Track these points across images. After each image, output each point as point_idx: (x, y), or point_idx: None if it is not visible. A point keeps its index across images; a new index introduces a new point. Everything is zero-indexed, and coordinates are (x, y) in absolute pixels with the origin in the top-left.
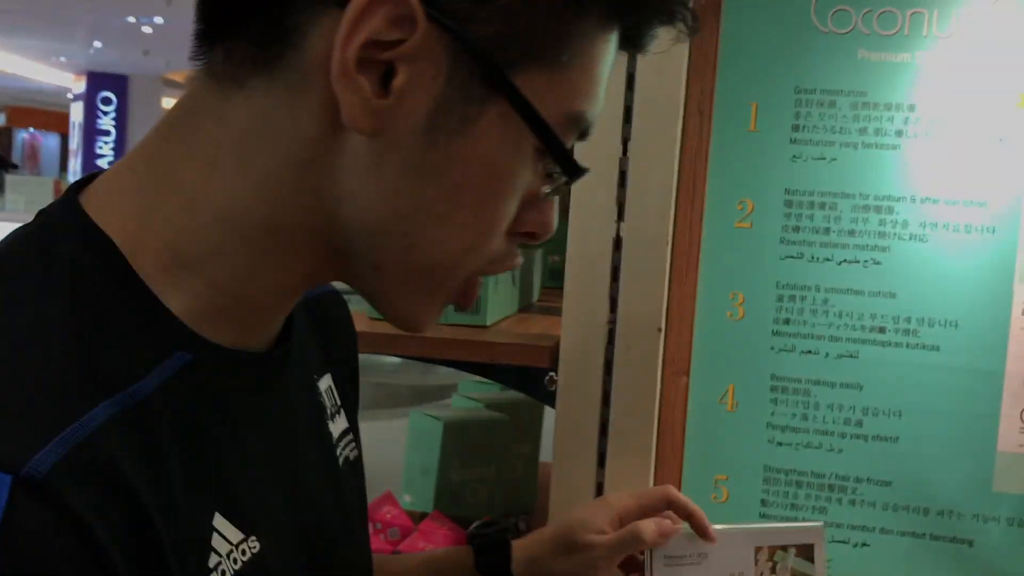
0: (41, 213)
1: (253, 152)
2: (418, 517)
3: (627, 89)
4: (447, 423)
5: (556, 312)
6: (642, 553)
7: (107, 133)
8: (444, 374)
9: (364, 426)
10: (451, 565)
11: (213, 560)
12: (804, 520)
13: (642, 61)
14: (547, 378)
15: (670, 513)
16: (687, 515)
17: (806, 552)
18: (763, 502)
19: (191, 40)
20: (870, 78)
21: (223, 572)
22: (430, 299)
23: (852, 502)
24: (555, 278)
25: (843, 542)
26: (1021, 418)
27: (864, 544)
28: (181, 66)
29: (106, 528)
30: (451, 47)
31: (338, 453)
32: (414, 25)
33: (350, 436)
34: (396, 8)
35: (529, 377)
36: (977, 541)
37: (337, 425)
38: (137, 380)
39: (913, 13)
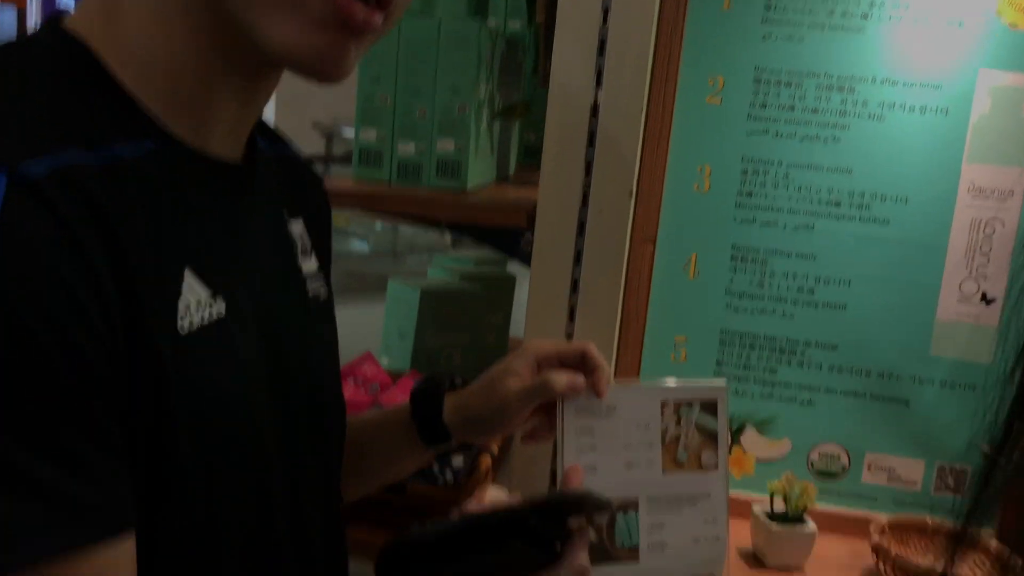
0: (27, 35)
1: None
2: (394, 377)
3: None
4: (424, 291)
5: (531, 184)
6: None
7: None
8: (413, 263)
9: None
10: (395, 416)
11: (183, 305)
12: (713, 378)
13: None
14: (523, 239)
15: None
16: (592, 370)
17: (710, 408)
18: (718, 363)
19: None
20: None
21: (191, 321)
22: (290, 13)
23: (800, 364)
24: (530, 155)
25: (790, 400)
26: (960, 289)
27: (809, 402)
28: None
29: (90, 237)
30: None
31: (307, 287)
32: None
33: (321, 278)
34: None
35: (506, 239)
36: (913, 401)
37: (308, 264)
38: (111, 144)
39: None
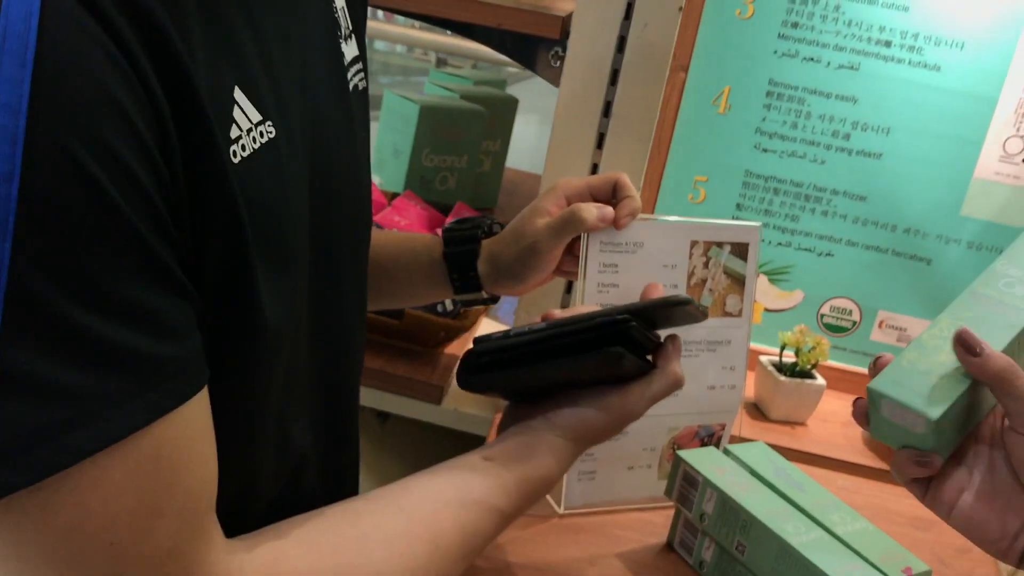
0: None
1: None
2: (389, 197)
3: None
4: (424, 107)
5: None
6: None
7: None
8: (387, 85)
9: None
10: (424, 250)
11: (235, 132)
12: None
13: None
14: (552, 52)
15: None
16: (620, 200)
17: (740, 251)
18: (738, 206)
19: None
20: None
21: (243, 147)
22: None
23: (824, 213)
24: None
25: (808, 250)
26: (1003, 147)
27: (829, 254)
28: None
29: (145, 58)
30: None
31: (349, 77)
32: None
33: (360, 66)
34: None
35: (528, 51)
36: (935, 260)
37: (349, 49)
38: None
39: None
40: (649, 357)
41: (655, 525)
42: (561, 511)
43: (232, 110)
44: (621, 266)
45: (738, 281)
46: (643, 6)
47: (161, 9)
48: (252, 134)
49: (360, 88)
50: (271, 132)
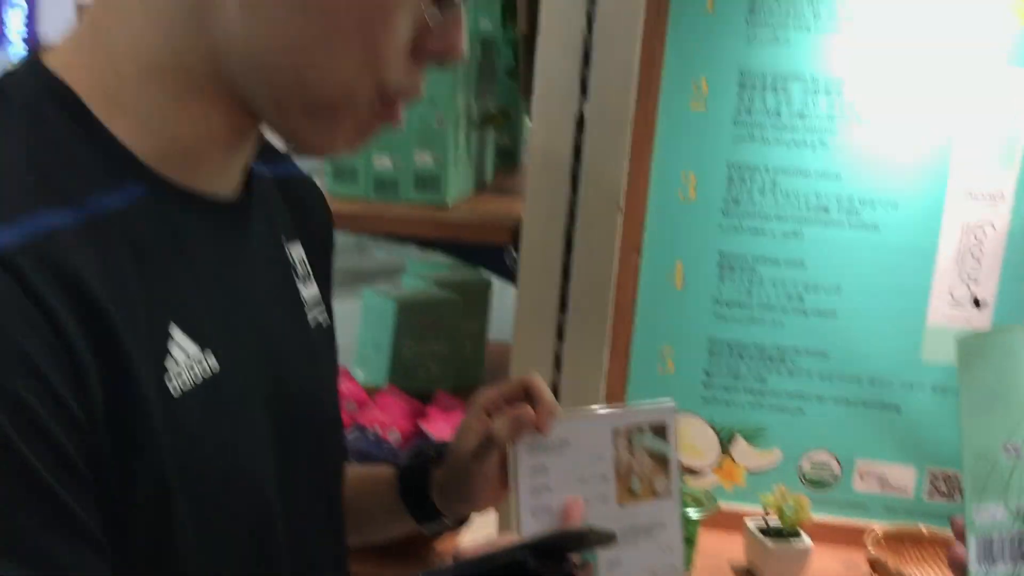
0: (6, 72)
1: None
2: (372, 392)
3: None
4: (400, 302)
5: (510, 192)
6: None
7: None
8: (381, 257)
9: None
10: (383, 482)
11: (172, 367)
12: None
13: None
14: (507, 255)
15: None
16: (534, 404)
17: (659, 430)
18: (706, 373)
19: None
20: None
21: (182, 380)
22: (334, 126)
23: (790, 372)
24: (504, 158)
25: (780, 410)
26: (950, 294)
27: (799, 411)
28: None
29: (64, 311)
30: None
31: (307, 311)
32: None
33: (322, 306)
34: None
35: (488, 254)
36: (904, 407)
37: (308, 289)
38: (95, 195)
39: None
40: None
41: None
42: None
43: (168, 345)
44: (551, 468)
45: (662, 461)
46: (585, 207)
47: (91, 277)
48: (193, 368)
49: (324, 325)
50: (214, 366)
